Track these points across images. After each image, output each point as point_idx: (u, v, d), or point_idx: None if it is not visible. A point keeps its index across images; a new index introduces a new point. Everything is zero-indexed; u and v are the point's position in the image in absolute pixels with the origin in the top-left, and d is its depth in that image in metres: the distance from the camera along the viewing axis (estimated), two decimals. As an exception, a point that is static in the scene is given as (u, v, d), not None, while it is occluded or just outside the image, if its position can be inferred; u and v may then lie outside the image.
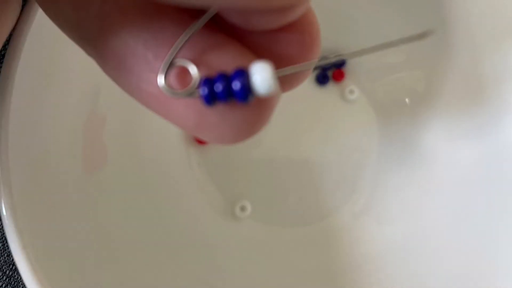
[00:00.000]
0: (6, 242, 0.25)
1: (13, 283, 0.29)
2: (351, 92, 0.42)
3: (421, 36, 0.14)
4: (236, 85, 0.13)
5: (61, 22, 0.16)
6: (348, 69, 0.42)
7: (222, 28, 0.15)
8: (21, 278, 0.26)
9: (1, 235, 0.29)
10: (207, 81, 0.14)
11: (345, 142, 0.41)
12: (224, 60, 0.14)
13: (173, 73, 0.14)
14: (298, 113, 0.41)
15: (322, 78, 0.42)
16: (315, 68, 0.41)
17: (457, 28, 0.36)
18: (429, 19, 0.37)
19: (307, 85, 0.42)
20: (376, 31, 0.39)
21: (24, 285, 0.25)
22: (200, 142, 0.39)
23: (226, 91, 0.13)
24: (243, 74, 0.13)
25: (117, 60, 0.15)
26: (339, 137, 0.41)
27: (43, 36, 0.27)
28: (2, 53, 0.27)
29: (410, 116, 0.40)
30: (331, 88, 0.42)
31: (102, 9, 0.15)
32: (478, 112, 0.35)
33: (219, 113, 0.14)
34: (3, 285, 0.29)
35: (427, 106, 0.39)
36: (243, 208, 0.38)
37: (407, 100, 0.40)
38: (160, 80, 0.14)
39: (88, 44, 0.16)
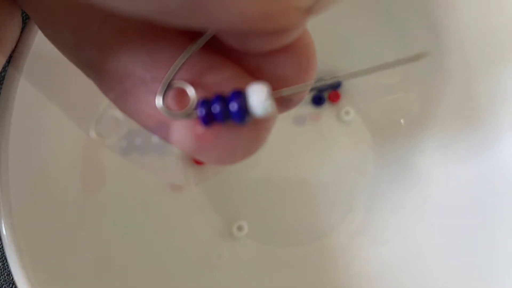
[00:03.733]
0: (6, 261, 0.25)
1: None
2: (347, 113, 0.42)
3: (416, 58, 0.14)
4: (233, 106, 0.13)
5: (60, 44, 0.17)
6: (343, 90, 0.42)
7: (219, 50, 0.15)
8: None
9: (1, 254, 0.29)
10: (205, 103, 0.14)
11: (341, 162, 0.41)
12: (222, 81, 0.14)
13: (171, 94, 0.15)
14: (295, 134, 0.42)
15: (318, 99, 0.42)
16: (311, 90, 0.41)
17: (452, 51, 0.36)
18: (424, 42, 0.37)
19: (304, 106, 0.42)
20: (372, 53, 0.40)
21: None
22: (198, 162, 0.39)
23: (224, 112, 0.13)
24: (240, 96, 0.13)
25: (116, 82, 0.15)
26: (335, 157, 0.42)
27: (43, 58, 0.27)
28: (2, 74, 0.27)
29: (405, 137, 0.40)
30: (327, 109, 0.43)
31: (100, 32, 0.15)
32: (472, 134, 0.35)
33: (216, 135, 0.14)
34: (2, 304, 0.29)
35: (422, 128, 0.39)
36: (240, 228, 0.38)
37: (402, 121, 0.40)
38: (158, 101, 0.14)
39: (87, 66, 0.16)
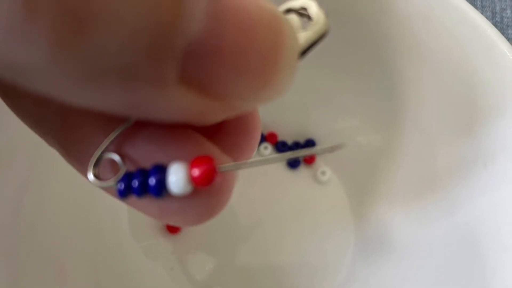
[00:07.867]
0: None
1: None
2: (323, 173, 0.42)
3: (331, 149, 0.15)
4: (152, 181, 0.14)
5: (22, 115, 0.16)
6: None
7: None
8: None
9: None
10: (127, 176, 0.14)
11: (321, 225, 0.41)
12: (155, 154, 0.14)
13: (107, 165, 0.15)
14: (272, 198, 0.42)
15: (294, 162, 0.42)
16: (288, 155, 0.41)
17: (411, 125, 0.37)
18: (385, 115, 0.39)
19: (279, 169, 0.42)
20: (337, 119, 0.41)
21: None
22: (172, 231, 0.39)
23: (141, 187, 0.14)
24: (160, 171, 0.14)
25: (80, 153, 0.15)
26: (315, 220, 0.41)
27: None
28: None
29: (383, 196, 0.40)
30: (303, 170, 0.43)
31: (63, 105, 0.15)
32: (433, 199, 0.36)
33: (179, 200, 0.14)
34: None
35: (390, 190, 0.39)
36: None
37: (379, 180, 0.40)
38: (89, 175, 0.15)
39: (52, 137, 0.16)
